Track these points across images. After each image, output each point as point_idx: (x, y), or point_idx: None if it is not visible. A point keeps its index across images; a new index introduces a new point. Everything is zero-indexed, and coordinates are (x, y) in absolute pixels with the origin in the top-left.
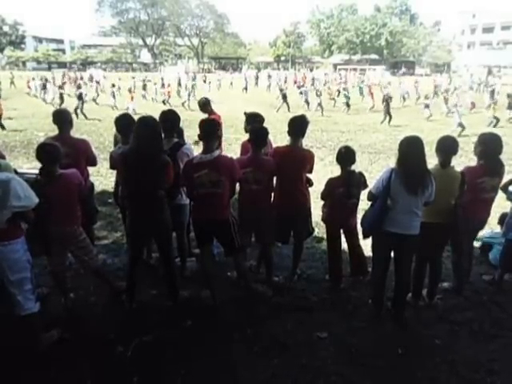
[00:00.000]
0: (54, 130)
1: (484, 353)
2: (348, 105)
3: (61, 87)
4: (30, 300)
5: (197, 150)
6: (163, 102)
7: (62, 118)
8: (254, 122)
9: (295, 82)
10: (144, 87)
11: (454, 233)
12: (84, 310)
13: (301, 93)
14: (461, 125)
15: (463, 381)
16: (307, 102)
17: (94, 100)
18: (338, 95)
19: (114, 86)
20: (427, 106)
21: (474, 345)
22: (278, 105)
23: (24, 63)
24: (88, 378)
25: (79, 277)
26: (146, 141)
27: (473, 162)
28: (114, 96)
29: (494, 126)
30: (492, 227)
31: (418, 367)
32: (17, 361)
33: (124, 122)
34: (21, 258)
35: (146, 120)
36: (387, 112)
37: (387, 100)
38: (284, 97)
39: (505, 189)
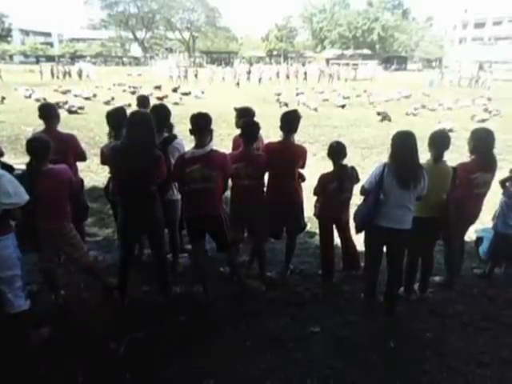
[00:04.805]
0: (42, 125)
1: (474, 345)
2: (342, 99)
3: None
4: (20, 297)
5: (188, 145)
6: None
7: (48, 113)
8: (245, 117)
9: (287, 77)
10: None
11: (445, 227)
12: (75, 306)
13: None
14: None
15: (454, 373)
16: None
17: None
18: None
19: (114, 85)
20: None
21: (465, 337)
22: (270, 99)
23: (11, 57)
24: (80, 375)
25: (70, 273)
26: (138, 135)
27: (464, 157)
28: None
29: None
30: (483, 223)
31: (409, 360)
32: (7, 359)
33: (116, 117)
34: (11, 255)
35: (138, 114)
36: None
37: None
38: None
39: (503, 184)
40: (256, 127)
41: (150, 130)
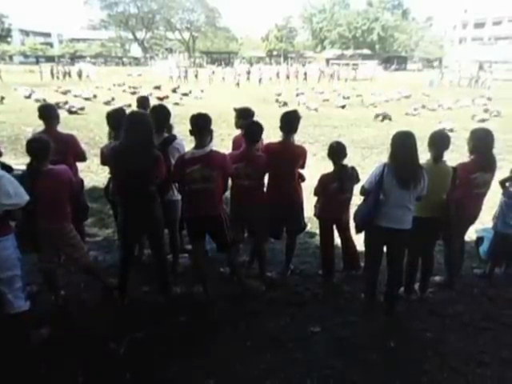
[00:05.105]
0: (42, 125)
1: (474, 345)
2: (342, 99)
3: None
4: (20, 298)
5: (188, 146)
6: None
7: (48, 113)
8: (245, 117)
9: (287, 77)
10: None
11: (445, 227)
12: (75, 307)
13: None
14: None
15: (454, 373)
16: None
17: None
18: None
19: (114, 85)
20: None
21: (465, 337)
22: (270, 100)
23: (11, 57)
24: (80, 375)
25: (70, 274)
26: (137, 135)
27: (464, 157)
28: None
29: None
30: (484, 223)
31: (409, 360)
32: (7, 359)
33: (116, 117)
34: (10, 256)
35: (136, 114)
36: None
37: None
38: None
39: (503, 184)
40: (259, 128)
41: (147, 130)
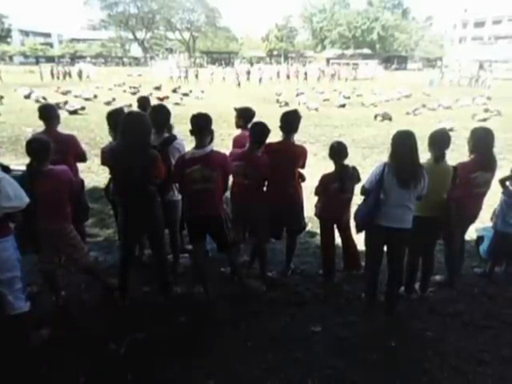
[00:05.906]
0: (42, 126)
1: (475, 344)
2: (342, 99)
3: None
4: (20, 299)
5: (188, 146)
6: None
7: (48, 113)
8: (246, 117)
9: (288, 77)
10: None
11: (446, 227)
12: (76, 307)
13: None
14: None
15: (454, 372)
16: None
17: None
18: None
19: (114, 85)
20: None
21: (465, 336)
22: (271, 99)
23: (11, 57)
24: (81, 375)
25: (70, 274)
26: (133, 136)
27: (465, 156)
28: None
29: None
30: (484, 222)
31: (410, 359)
32: (7, 359)
33: (116, 118)
34: (10, 257)
35: (133, 115)
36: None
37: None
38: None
39: (503, 183)
40: (265, 129)
41: (144, 130)
